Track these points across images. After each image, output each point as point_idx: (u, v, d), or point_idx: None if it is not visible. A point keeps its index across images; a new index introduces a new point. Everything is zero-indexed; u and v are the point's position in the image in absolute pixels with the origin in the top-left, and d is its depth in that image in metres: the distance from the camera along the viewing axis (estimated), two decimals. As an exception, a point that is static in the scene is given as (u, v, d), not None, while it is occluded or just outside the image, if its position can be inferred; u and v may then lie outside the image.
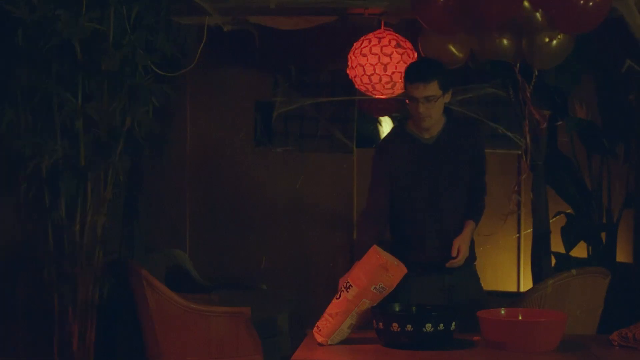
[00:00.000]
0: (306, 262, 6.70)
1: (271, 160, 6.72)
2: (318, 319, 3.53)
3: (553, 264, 5.56)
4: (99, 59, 4.73)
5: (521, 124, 5.24)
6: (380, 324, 3.38)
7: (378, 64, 5.06)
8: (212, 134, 6.71)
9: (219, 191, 6.71)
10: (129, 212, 5.31)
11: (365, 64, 5.08)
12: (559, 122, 5.58)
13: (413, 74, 3.89)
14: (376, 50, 5.07)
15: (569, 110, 5.73)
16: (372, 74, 5.10)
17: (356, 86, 5.33)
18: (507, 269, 6.56)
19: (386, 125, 6.38)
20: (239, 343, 4.88)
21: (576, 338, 3.60)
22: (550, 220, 5.51)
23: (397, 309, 3.56)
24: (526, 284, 6.23)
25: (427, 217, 3.93)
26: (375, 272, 3.43)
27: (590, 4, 4.43)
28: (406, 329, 3.32)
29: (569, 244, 5.70)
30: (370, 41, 5.11)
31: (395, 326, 3.33)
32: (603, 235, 5.78)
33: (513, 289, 6.48)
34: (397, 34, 5.17)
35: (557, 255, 5.63)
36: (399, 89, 5.14)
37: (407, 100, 3.90)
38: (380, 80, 5.11)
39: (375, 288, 3.43)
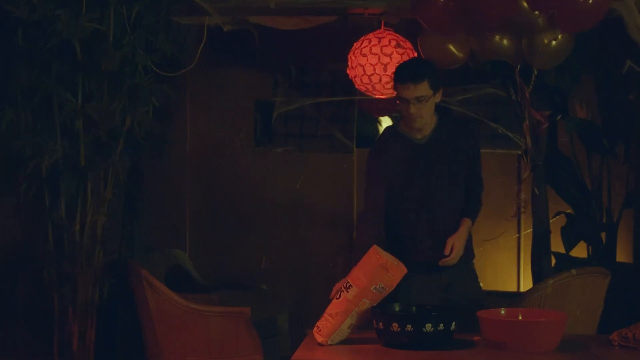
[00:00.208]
0: (306, 262, 6.70)
1: (271, 160, 6.73)
2: (318, 319, 3.54)
3: (553, 264, 5.56)
4: (99, 59, 4.73)
5: (521, 125, 5.24)
6: (380, 324, 3.38)
7: (378, 64, 5.06)
8: (212, 134, 6.72)
9: (219, 191, 6.71)
10: (129, 212, 5.31)
11: (365, 64, 5.08)
12: (559, 117, 5.56)
13: (403, 75, 3.87)
14: (376, 50, 5.07)
15: (569, 110, 5.73)
16: (372, 74, 5.10)
17: (356, 86, 5.33)
18: (507, 269, 6.56)
19: (386, 125, 6.38)
20: (239, 343, 4.88)
21: (576, 338, 3.60)
22: (550, 220, 5.51)
23: (397, 309, 3.56)
24: (526, 284, 6.23)
25: (419, 217, 3.91)
26: (375, 272, 3.43)
27: (590, 1, 4.43)
28: (406, 329, 3.32)
29: (569, 244, 5.70)
30: (370, 41, 5.11)
31: (395, 326, 3.33)
32: (603, 235, 5.78)
33: (513, 289, 6.48)
34: (397, 34, 5.17)
35: (557, 255, 5.63)
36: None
37: (397, 102, 3.89)
38: (380, 80, 5.11)
39: (375, 288, 3.43)
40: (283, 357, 5.76)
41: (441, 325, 3.33)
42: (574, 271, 4.61)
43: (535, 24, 4.63)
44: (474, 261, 4.09)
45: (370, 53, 5.08)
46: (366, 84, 5.19)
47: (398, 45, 5.07)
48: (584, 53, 5.28)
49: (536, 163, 5.29)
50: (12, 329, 5.24)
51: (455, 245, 3.84)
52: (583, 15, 4.48)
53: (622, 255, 5.87)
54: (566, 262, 5.52)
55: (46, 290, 4.88)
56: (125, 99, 4.86)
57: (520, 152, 5.37)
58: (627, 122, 5.67)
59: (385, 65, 5.06)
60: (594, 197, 5.83)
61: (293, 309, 6.25)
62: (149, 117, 4.91)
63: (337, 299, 3.49)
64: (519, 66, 4.93)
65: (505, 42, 4.77)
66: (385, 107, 5.97)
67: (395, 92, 3.91)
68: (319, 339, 3.47)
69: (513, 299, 5.04)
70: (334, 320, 3.45)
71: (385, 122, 6.37)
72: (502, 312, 3.54)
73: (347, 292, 3.46)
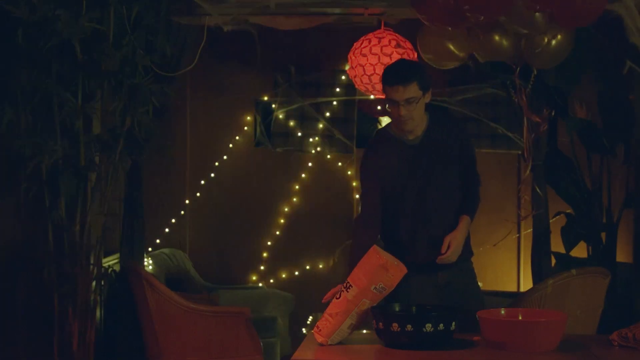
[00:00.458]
0: (306, 262, 6.70)
1: (271, 160, 6.73)
2: (318, 319, 3.54)
3: (553, 264, 5.56)
4: (99, 59, 4.72)
5: (521, 125, 5.25)
6: (380, 324, 3.38)
7: (378, 64, 5.06)
8: (212, 134, 6.72)
9: (219, 191, 6.72)
10: (129, 212, 5.31)
11: (365, 64, 5.08)
12: (552, 112, 5.53)
13: (391, 77, 3.82)
14: (376, 50, 5.07)
15: (569, 110, 5.74)
16: (372, 74, 5.10)
17: (356, 86, 5.33)
18: (507, 269, 6.56)
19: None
20: (239, 343, 4.88)
21: (576, 338, 3.60)
22: (550, 220, 5.51)
23: (397, 309, 3.56)
24: (526, 284, 6.24)
25: (416, 219, 3.89)
26: (375, 272, 3.43)
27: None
28: (406, 329, 3.32)
29: (569, 244, 5.70)
30: (370, 41, 5.11)
31: (395, 326, 3.33)
32: (603, 235, 5.78)
33: (513, 289, 6.49)
34: (397, 34, 5.17)
35: (557, 255, 5.64)
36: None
37: (387, 105, 3.85)
38: (380, 80, 5.10)
39: (375, 288, 3.43)
40: (283, 357, 5.76)
41: (441, 325, 3.32)
42: (574, 271, 4.61)
43: (534, 24, 4.62)
44: (473, 259, 4.07)
45: (370, 53, 5.08)
46: (366, 84, 5.20)
47: (398, 45, 5.07)
48: (584, 53, 5.28)
49: (536, 163, 5.29)
50: (12, 329, 5.24)
51: (452, 243, 3.81)
52: (581, 10, 4.46)
53: (622, 255, 5.87)
54: (566, 262, 5.52)
55: (46, 290, 4.87)
56: (125, 99, 4.86)
57: (520, 152, 5.37)
58: (627, 122, 5.67)
59: (385, 65, 5.05)
60: (594, 197, 5.83)
61: (293, 309, 6.26)
62: (149, 117, 4.91)
63: (337, 299, 3.48)
64: (517, 69, 4.92)
65: (505, 42, 4.77)
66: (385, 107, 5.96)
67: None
68: (319, 339, 3.47)
69: (513, 299, 5.04)
70: (334, 320, 3.45)
71: (385, 122, 6.37)
72: (502, 312, 3.54)
73: (347, 292, 3.46)
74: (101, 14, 4.72)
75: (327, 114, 6.68)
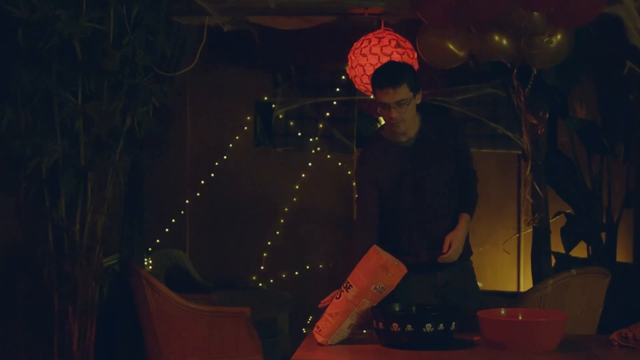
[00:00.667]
0: (306, 262, 6.70)
1: (271, 160, 6.73)
2: (318, 319, 3.54)
3: (553, 264, 5.56)
4: (99, 59, 4.72)
5: (521, 126, 5.24)
6: (380, 324, 3.38)
7: (378, 64, 5.05)
8: (212, 134, 6.72)
9: (219, 191, 6.71)
10: (129, 212, 5.31)
11: (365, 64, 5.07)
12: (546, 114, 5.52)
13: (381, 80, 3.80)
14: (376, 50, 5.06)
15: (569, 110, 5.73)
16: (372, 74, 5.09)
17: (356, 86, 5.32)
18: (507, 269, 6.56)
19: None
20: (239, 343, 4.88)
21: (576, 338, 3.60)
22: (550, 220, 5.51)
23: (397, 309, 3.56)
24: (526, 284, 6.23)
25: (414, 221, 3.88)
26: (375, 272, 3.43)
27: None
28: (406, 329, 3.32)
29: (569, 244, 5.70)
30: (370, 41, 5.10)
31: (395, 326, 3.33)
32: (603, 235, 5.78)
33: (513, 289, 6.49)
34: (397, 34, 5.17)
35: (557, 255, 5.63)
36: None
37: (378, 108, 3.82)
38: (378, 81, 5.10)
39: (375, 288, 3.43)
40: (283, 357, 5.76)
41: (441, 325, 3.33)
42: (574, 271, 4.61)
43: (534, 24, 4.61)
44: (472, 259, 4.07)
45: (370, 53, 5.07)
46: (366, 84, 5.19)
47: (398, 45, 5.06)
48: (584, 53, 5.27)
49: (536, 163, 5.29)
50: (12, 329, 5.24)
51: (453, 243, 3.81)
52: (580, 10, 4.46)
53: (622, 255, 5.87)
54: (566, 262, 5.52)
55: (46, 290, 4.88)
56: (125, 99, 4.86)
57: (520, 152, 5.37)
58: (627, 122, 5.68)
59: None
60: (594, 197, 5.83)
61: (293, 309, 6.26)
62: (149, 117, 4.91)
63: (337, 299, 3.49)
64: (515, 70, 4.92)
65: (504, 42, 4.77)
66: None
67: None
68: (319, 339, 3.47)
69: (513, 299, 5.04)
70: (334, 320, 3.45)
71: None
72: (502, 312, 3.54)
73: (347, 292, 3.46)
74: (101, 14, 4.73)
75: (327, 114, 6.68)
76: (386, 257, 3.47)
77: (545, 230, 5.39)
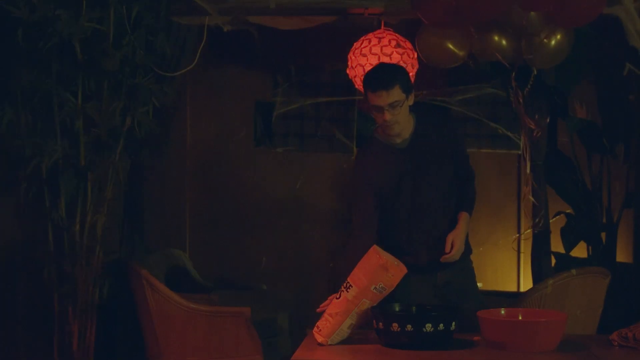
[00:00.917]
0: (306, 262, 6.70)
1: (271, 160, 6.73)
2: (318, 319, 3.54)
3: (553, 264, 5.56)
4: (99, 59, 4.73)
5: (520, 128, 5.25)
6: (380, 324, 3.38)
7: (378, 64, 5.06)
8: (212, 134, 6.72)
9: (219, 191, 6.71)
10: (129, 212, 5.31)
11: (365, 64, 5.07)
12: (547, 119, 5.53)
13: (373, 82, 3.76)
14: (376, 50, 5.06)
15: (569, 110, 5.73)
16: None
17: (356, 86, 5.32)
18: (507, 269, 6.56)
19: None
20: (239, 343, 4.88)
21: (576, 338, 3.60)
22: (550, 220, 5.51)
23: (397, 309, 3.56)
24: (526, 284, 6.23)
25: (413, 222, 3.87)
26: (375, 272, 3.43)
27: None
28: (406, 329, 3.32)
29: (569, 244, 5.70)
30: (370, 41, 5.10)
31: (395, 326, 3.33)
32: (603, 235, 5.78)
33: (513, 289, 6.49)
34: (397, 34, 5.17)
35: (557, 255, 5.63)
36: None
37: (372, 111, 3.80)
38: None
39: (375, 288, 3.43)
40: (283, 357, 5.76)
41: (441, 325, 3.33)
42: (574, 271, 4.61)
43: (533, 23, 4.61)
44: (472, 259, 4.07)
45: (370, 53, 5.07)
46: (366, 84, 5.18)
47: (398, 45, 5.06)
48: (584, 53, 5.27)
49: (536, 163, 5.29)
50: (12, 329, 5.24)
51: (455, 242, 3.80)
52: (579, 10, 4.46)
53: (622, 255, 5.87)
54: (566, 262, 5.52)
55: (46, 290, 4.88)
56: (125, 99, 4.86)
57: (520, 153, 5.37)
58: (627, 122, 5.68)
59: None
60: (594, 197, 5.83)
61: (293, 309, 6.25)
62: (149, 117, 4.91)
63: (337, 299, 3.49)
64: (513, 73, 4.92)
65: (504, 42, 4.77)
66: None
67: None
68: (319, 339, 3.47)
69: (513, 299, 5.04)
70: (334, 320, 3.45)
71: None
72: (502, 312, 3.54)
73: (347, 292, 3.46)
74: (101, 14, 4.73)
75: (327, 114, 6.68)
76: (386, 257, 3.47)
77: (545, 230, 5.39)
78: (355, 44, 5.17)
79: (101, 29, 4.72)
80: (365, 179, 3.90)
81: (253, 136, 6.73)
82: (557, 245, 5.64)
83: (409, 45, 5.12)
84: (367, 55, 5.08)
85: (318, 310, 3.57)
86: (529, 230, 5.45)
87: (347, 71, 5.28)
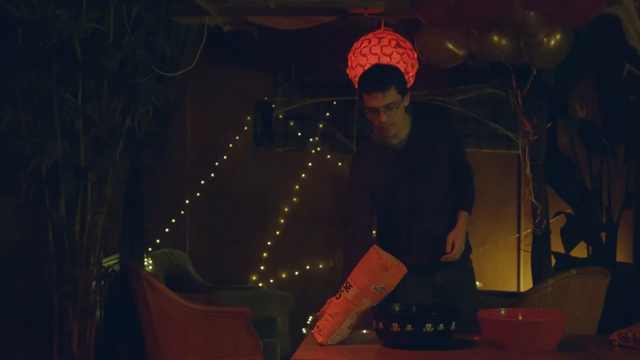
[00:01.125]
0: (306, 262, 6.70)
1: (271, 160, 6.73)
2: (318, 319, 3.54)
3: (553, 264, 5.56)
4: (99, 59, 4.72)
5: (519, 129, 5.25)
6: (380, 324, 3.38)
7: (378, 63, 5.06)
8: (212, 134, 6.72)
9: (219, 191, 6.72)
10: (129, 212, 5.31)
11: (365, 64, 5.07)
12: (548, 125, 5.53)
13: (369, 84, 3.73)
14: (376, 50, 5.06)
15: (569, 110, 5.73)
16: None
17: (356, 86, 5.32)
18: (507, 269, 6.56)
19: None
20: (239, 343, 4.88)
21: (576, 338, 3.60)
22: (551, 220, 5.51)
23: (397, 309, 3.56)
24: (526, 284, 6.24)
25: (411, 223, 3.85)
26: (375, 272, 3.43)
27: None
28: (406, 329, 3.32)
29: (569, 244, 5.69)
30: (370, 41, 5.10)
31: (395, 326, 3.33)
32: (603, 235, 5.78)
33: (513, 289, 6.49)
34: (397, 34, 5.17)
35: (557, 255, 5.63)
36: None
37: (367, 113, 3.78)
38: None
39: (375, 288, 3.43)
40: (283, 357, 5.76)
41: (441, 325, 3.33)
42: (574, 271, 4.60)
43: (533, 23, 4.61)
44: (472, 258, 4.06)
45: (370, 53, 5.07)
46: (366, 84, 5.18)
47: (398, 45, 5.06)
48: (584, 53, 5.27)
49: (536, 163, 5.29)
50: (12, 329, 5.24)
51: (456, 242, 3.78)
52: (580, 10, 4.45)
53: (622, 255, 5.87)
54: (566, 262, 5.51)
55: (46, 290, 4.88)
56: (125, 99, 4.86)
57: (520, 152, 5.37)
58: (627, 122, 5.67)
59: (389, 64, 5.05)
60: (594, 197, 5.83)
61: (293, 309, 6.26)
62: (149, 117, 4.91)
63: (337, 299, 3.49)
64: (512, 75, 4.92)
65: (504, 42, 4.76)
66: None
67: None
68: (319, 339, 3.47)
69: (513, 299, 5.04)
70: (334, 320, 3.45)
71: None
72: (502, 312, 3.54)
73: (347, 292, 3.46)
74: (101, 14, 4.73)
75: (327, 114, 6.68)
76: (386, 257, 3.47)
77: (545, 230, 5.39)
78: (355, 44, 5.17)
79: (101, 29, 4.72)
80: (361, 180, 3.88)
81: (253, 136, 6.74)
82: (557, 245, 5.64)
83: (409, 45, 5.12)
84: (367, 55, 5.08)
85: (317, 314, 3.56)
86: (529, 231, 5.45)
87: (347, 71, 5.28)
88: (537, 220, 5.16)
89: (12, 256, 5.22)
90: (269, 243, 6.69)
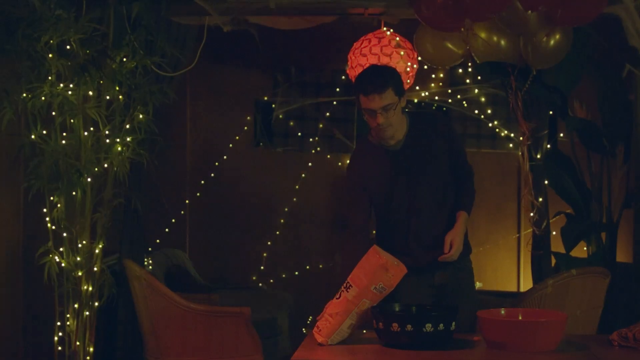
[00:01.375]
0: (306, 262, 6.70)
1: (271, 160, 6.73)
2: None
3: (553, 264, 5.56)
4: (99, 59, 4.72)
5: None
6: (380, 324, 3.38)
7: (378, 64, 5.06)
8: (212, 134, 6.72)
9: (219, 191, 6.71)
10: (129, 212, 5.31)
11: (365, 64, 5.07)
12: (544, 132, 5.52)
13: (366, 86, 3.71)
14: (376, 50, 5.06)
15: (568, 110, 5.73)
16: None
17: (356, 86, 5.32)
18: (507, 269, 6.56)
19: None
20: (239, 343, 4.87)
21: (576, 338, 3.60)
22: (551, 220, 5.51)
23: (397, 309, 3.56)
24: (526, 284, 6.23)
25: (409, 225, 3.85)
26: (375, 272, 3.43)
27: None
28: (406, 329, 3.32)
29: (569, 244, 5.69)
30: (370, 41, 5.11)
31: (395, 326, 3.33)
32: (603, 235, 5.77)
33: (513, 289, 6.49)
34: (397, 34, 5.17)
35: (557, 255, 5.63)
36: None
37: (364, 115, 3.77)
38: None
39: (375, 288, 3.43)
40: (283, 357, 5.76)
41: (441, 325, 3.33)
42: (574, 271, 4.60)
43: (532, 23, 4.61)
44: (472, 258, 4.06)
45: (370, 53, 5.07)
46: (366, 84, 5.18)
47: (398, 45, 5.07)
48: (584, 53, 5.27)
49: (536, 163, 5.29)
50: (12, 329, 5.24)
51: (454, 242, 3.78)
52: (581, 9, 4.45)
53: (622, 255, 5.87)
54: (566, 262, 5.51)
55: (46, 290, 4.88)
56: (125, 99, 4.86)
57: (520, 153, 5.37)
58: (627, 122, 5.67)
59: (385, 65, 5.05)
60: (594, 197, 5.83)
61: (293, 309, 6.26)
62: (149, 117, 4.91)
63: (337, 299, 3.49)
64: (512, 76, 4.91)
65: (503, 42, 4.76)
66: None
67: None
68: (319, 339, 3.47)
69: (513, 299, 5.04)
70: (334, 320, 3.45)
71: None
72: (502, 312, 3.54)
73: (347, 292, 3.46)
74: (101, 14, 4.73)
75: (327, 114, 6.68)
76: (386, 257, 3.47)
77: (545, 230, 5.39)
78: (355, 44, 5.18)
79: (101, 29, 4.72)
80: (358, 181, 3.88)
81: (253, 136, 6.74)
82: (557, 245, 5.64)
83: (409, 45, 5.13)
84: (367, 55, 5.08)
85: (318, 318, 3.55)
86: (529, 230, 5.45)
87: (347, 71, 5.29)
88: (536, 220, 5.17)
89: (12, 256, 5.22)
90: (268, 243, 6.68)
